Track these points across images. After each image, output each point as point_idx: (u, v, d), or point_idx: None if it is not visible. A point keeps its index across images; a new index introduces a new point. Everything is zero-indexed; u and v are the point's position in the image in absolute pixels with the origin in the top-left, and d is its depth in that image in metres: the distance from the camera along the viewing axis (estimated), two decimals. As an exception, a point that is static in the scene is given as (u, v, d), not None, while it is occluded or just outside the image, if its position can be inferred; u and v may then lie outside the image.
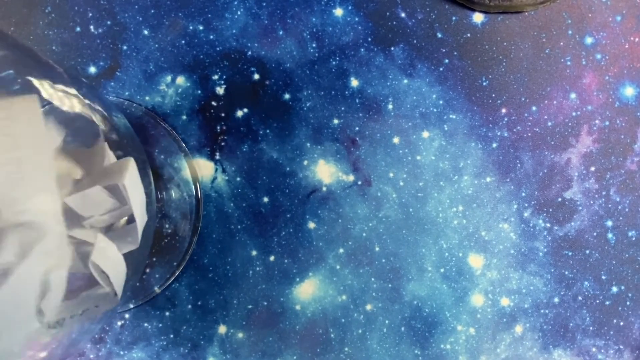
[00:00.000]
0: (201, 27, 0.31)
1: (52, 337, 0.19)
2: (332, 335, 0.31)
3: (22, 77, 0.18)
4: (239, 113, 0.31)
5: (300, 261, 0.31)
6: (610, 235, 0.31)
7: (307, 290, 0.31)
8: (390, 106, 0.31)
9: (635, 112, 0.31)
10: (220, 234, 0.31)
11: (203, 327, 0.31)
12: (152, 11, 0.31)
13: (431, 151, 0.31)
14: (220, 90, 0.31)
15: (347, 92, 0.31)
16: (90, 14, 0.31)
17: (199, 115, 0.31)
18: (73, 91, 0.19)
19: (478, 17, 0.31)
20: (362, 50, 0.31)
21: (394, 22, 0.31)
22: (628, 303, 0.31)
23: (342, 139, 0.31)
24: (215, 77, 0.31)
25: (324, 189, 0.31)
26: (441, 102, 0.31)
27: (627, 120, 0.31)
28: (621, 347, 0.32)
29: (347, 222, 0.31)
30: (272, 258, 0.31)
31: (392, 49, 0.31)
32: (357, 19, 0.31)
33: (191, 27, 0.31)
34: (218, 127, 0.31)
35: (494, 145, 0.31)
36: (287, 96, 0.31)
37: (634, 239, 0.31)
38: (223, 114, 0.31)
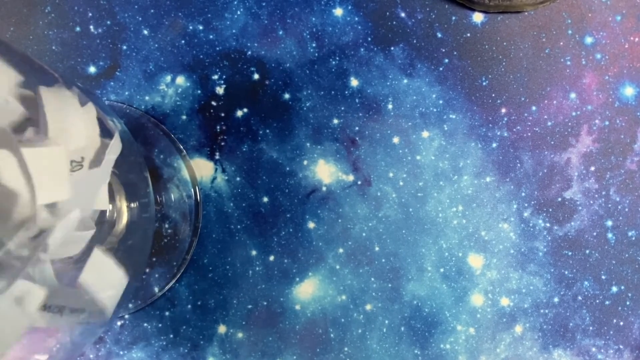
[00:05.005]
0: (201, 27, 0.31)
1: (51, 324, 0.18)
2: (331, 335, 0.31)
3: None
4: (239, 113, 0.31)
5: (300, 261, 0.31)
6: (610, 235, 0.31)
7: (306, 290, 0.31)
8: (390, 106, 0.31)
9: (635, 112, 0.31)
10: (220, 234, 0.31)
11: (203, 327, 0.31)
12: (152, 11, 0.31)
13: (431, 151, 0.31)
14: (220, 90, 0.31)
15: (347, 92, 0.31)
16: (90, 14, 0.31)
17: (198, 115, 0.31)
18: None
19: (478, 17, 0.31)
20: (362, 50, 0.31)
21: (394, 22, 0.31)
22: (628, 303, 0.31)
23: (342, 138, 0.31)
24: (215, 77, 0.31)
25: (324, 188, 0.31)
26: (441, 102, 0.31)
27: (627, 120, 0.31)
28: (621, 347, 0.32)
29: (346, 222, 0.31)
30: (271, 258, 0.31)
31: (392, 48, 0.31)
32: (356, 18, 0.31)
33: (191, 27, 0.31)
34: (218, 127, 0.31)
35: (494, 145, 0.31)
36: (287, 96, 0.31)
37: (633, 238, 0.31)
38: (223, 114, 0.31)
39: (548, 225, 0.31)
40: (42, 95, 0.17)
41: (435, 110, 0.31)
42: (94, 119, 0.19)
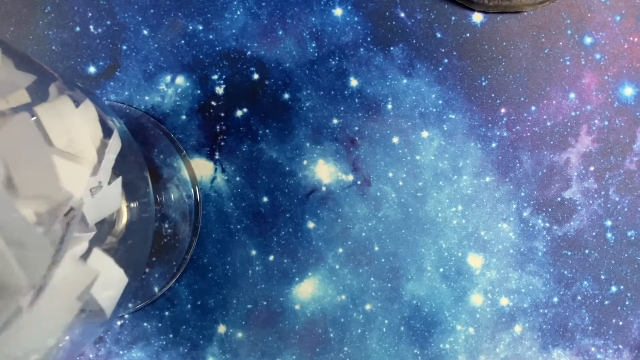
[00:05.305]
0: (201, 27, 0.31)
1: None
2: (331, 335, 0.31)
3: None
4: (239, 113, 0.31)
5: (300, 261, 0.31)
6: (609, 235, 0.31)
7: (306, 290, 0.31)
8: (389, 106, 0.31)
9: (634, 112, 0.31)
10: (220, 234, 0.31)
11: (202, 326, 0.31)
12: (152, 11, 0.31)
13: (430, 151, 0.31)
14: (219, 90, 0.31)
15: (346, 92, 0.31)
16: (90, 14, 0.31)
17: (198, 115, 0.31)
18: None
19: (477, 17, 0.31)
20: (362, 50, 0.31)
21: (394, 22, 0.31)
22: (627, 303, 0.31)
23: (342, 138, 0.31)
24: (215, 77, 0.31)
25: (324, 188, 0.31)
26: (440, 102, 0.31)
27: (626, 120, 0.31)
28: (620, 346, 0.32)
29: (346, 221, 0.31)
30: (271, 258, 0.31)
31: (392, 48, 0.31)
32: (356, 18, 0.31)
33: (191, 27, 0.31)
34: (217, 127, 0.31)
35: (493, 145, 0.31)
36: (286, 96, 0.31)
37: (633, 238, 0.31)
38: (222, 114, 0.31)
39: (547, 225, 0.31)
40: (38, 113, 0.18)
41: (434, 110, 0.31)
42: (94, 119, 0.20)
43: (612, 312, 0.31)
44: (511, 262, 0.31)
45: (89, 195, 0.18)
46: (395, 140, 0.31)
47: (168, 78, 0.31)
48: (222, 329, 0.31)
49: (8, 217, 0.14)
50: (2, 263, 0.14)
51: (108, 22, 0.31)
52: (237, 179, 0.31)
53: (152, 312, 0.31)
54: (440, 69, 0.31)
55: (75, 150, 0.18)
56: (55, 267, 0.16)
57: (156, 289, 0.30)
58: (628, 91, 0.31)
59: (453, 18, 0.31)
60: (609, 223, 0.31)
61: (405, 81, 0.31)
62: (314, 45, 0.31)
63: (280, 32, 0.31)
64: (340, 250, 0.31)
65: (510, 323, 0.31)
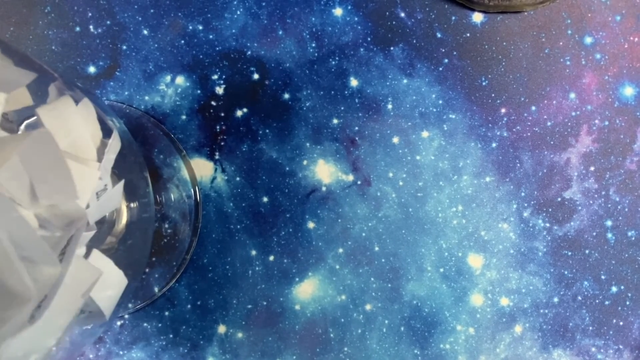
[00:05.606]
0: (201, 27, 0.31)
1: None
2: (331, 335, 0.31)
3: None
4: (239, 113, 0.31)
5: (300, 261, 0.31)
6: (609, 235, 0.31)
7: (306, 290, 0.31)
8: (389, 106, 0.31)
9: (634, 112, 0.31)
10: (220, 234, 0.31)
11: (202, 327, 0.31)
12: (152, 11, 0.31)
13: (431, 151, 0.31)
14: (219, 90, 0.31)
15: (346, 92, 0.31)
16: (90, 14, 0.31)
17: (198, 115, 0.31)
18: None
19: (477, 17, 0.31)
20: (362, 50, 0.31)
21: (394, 22, 0.31)
22: (627, 303, 0.31)
23: (342, 138, 0.31)
24: (215, 77, 0.31)
25: (324, 188, 0.31)
26: (441, 101, 0.31)
27: (627, 120, 0.31)
28: (621, 346, 0.32)
29: (346, 222, 0.31)
30: (271, 258, 0.31)
31: (392, 48, 0.31)
32: (356, 18, 0.31)
33: (191, 27, 0.31)
34: (217, 127, 0.31)
35: (494, 145, 0.31)
36: (286, 96, 0.31)
37: (633, 238, 0.31)
38: (222, 114, 0.31)
39: (548, 225, 0.31)
40: (40, 115, 0.18)
41: (434, 110, 0.31)
42: (94, 119, 0.20)
43: (613, 312, 0.31)
44: (511, 262, 0.31)
45: (95, 198, 0.18)
46: (395, 140, 0.31)
47: (168, 78, 0.31)
48: (222, 329, 0.31)
49: (24, 234, 0.14)
50: (15, 276, 0.14)
51: (108, 22, 0.31)
52: (237, 179, 0.31)
53: (152, 312, 0.31)
54: (441, 68, 0.31)
55: (76, 151, 0.18)
56: (62, 279, 0.16)
57: (156, 289, 0.30)
58: (628, 91, 0.31)
59: (453, 18, 0.31)
60: (609, 223, 0.31)
61: (405, 81, 0.31)
62: (314, 45, 0.31)
63: (280, 32, 0.31)
64: (341, 250, 0.31)
65: (511, 323, 0.31)
